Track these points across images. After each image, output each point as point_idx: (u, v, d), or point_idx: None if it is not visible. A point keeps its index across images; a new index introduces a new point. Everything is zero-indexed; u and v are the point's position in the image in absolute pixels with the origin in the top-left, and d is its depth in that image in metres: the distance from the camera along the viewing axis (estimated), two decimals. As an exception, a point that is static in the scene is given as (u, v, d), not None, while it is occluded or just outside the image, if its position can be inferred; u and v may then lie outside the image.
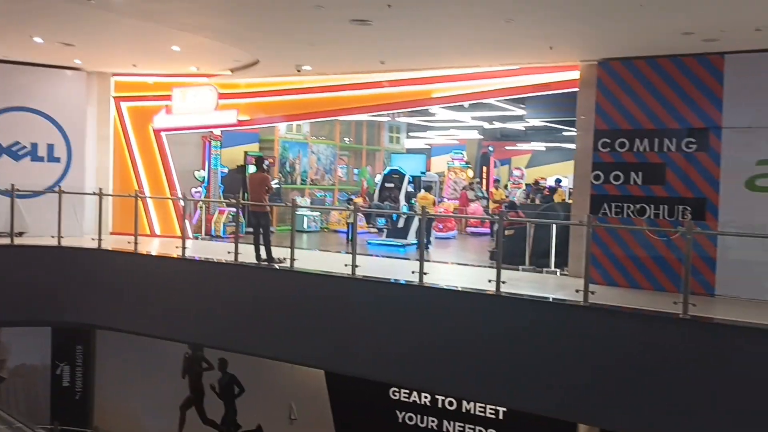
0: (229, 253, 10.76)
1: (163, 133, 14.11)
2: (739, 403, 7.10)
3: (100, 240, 11.81)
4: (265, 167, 11.35)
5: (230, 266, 10.75)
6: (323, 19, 8.08)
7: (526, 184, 23.83)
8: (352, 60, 11.05)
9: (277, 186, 15.92)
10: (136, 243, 11.58)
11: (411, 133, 23.20)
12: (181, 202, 13.39)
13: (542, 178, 24.81)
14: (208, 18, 8.64)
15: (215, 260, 11.58)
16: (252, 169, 15.36)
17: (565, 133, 21.02)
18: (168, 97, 13.94)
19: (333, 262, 11.31)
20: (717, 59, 9.07)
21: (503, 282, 8.52)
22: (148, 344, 12.70)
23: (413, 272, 9.14)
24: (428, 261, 9.33)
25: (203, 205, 15.09)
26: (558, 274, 10.68)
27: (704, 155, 9.25)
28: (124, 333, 12.17)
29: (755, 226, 8.80)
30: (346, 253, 13.29)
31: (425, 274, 9.05)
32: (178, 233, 13.50)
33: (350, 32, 8.60)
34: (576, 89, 10.50)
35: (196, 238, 14.30)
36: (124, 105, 14.04)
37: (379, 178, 17.21)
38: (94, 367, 14.00)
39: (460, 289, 9.30)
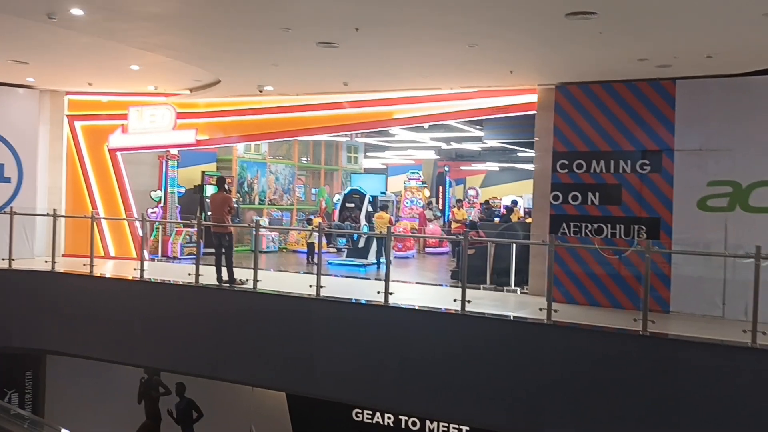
0: (189, 274, 10.59)
1: (118, 153, 13.84)
2: (695, 415, 7.33)
3: (53, 262, 11.46)
4: (226, 188, 11.25)
5: (190, 288, 10.56)
6: (290, 40, 8.11)
7: (480, 204, 24.24)
8: (316, 81, 11.10)
9: (236, 206, 15.76)
10: (92, 265, 11.27)
11: (369, 153, 23.32)
12: (138, 223, 13.12)
13: (495, 198, 25.29)
14: (171, 37, 8.57)
15: (173, 282, 11.36)
16: (210, 189, 15.19)
17: (519, 154, 21.46)
18: (123, 116, 13.70)
19: (294, 282, 11.24)
20: (669, 84, 9.46)
21: (468, 301, 8.62)
22: (103, 369, 12.35)
23: (378, 292, 9.16)
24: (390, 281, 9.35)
25: (159, 226, 14.82)
26: (518, 292, 10.86)
27: (658, 176, 9.59)
28: (77, 358, 11.80)
29: (707, 244, 9.19)
30: (306, 273, 13.26)
31: (390, 294, 9.08)
32: (134, 255, 13.26)
33: (316, 54, 8.65)
34: (534, 112, 10.77)
35: (153, 259, 14.02)
36: (78, 124, 13.74)
37: (338, 198, 17.22)
38: (44, 393, 13.50)
39: (425, 308, 9.36)
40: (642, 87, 9.64)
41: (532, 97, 10.71)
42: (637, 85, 9.66)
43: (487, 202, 22.66)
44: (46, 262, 11.60)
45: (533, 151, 11.32)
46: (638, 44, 7.95)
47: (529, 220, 13.07)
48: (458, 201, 21.08)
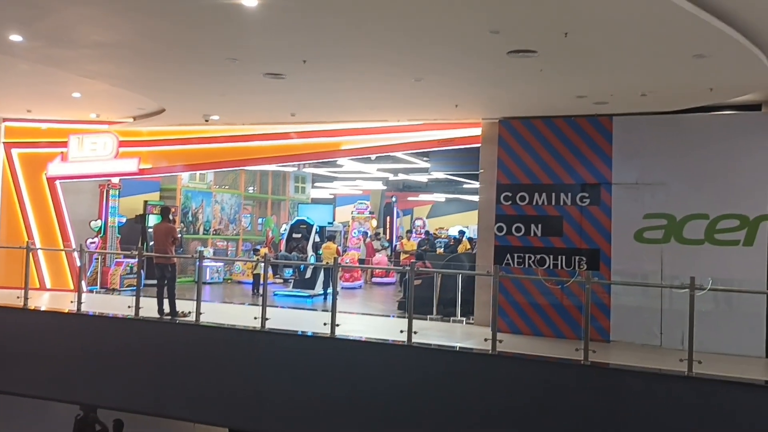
0: (129, 307, 10.30)
1: (57, 181, 13.45)
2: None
3: (-16, 295, 10.99)
4: (170, 217, 11.05)
5: (130, 321, 10.27)
6: (237, 71, 8.10)
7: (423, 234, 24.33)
8: (263, 111, 11.08)
9: (180, 236, 15.45)
10: (26, 297, 10.84)
11: (316, 183, 23.30)
12: (77, 254, 12.71)
13: (441, 228, 25.53)
14: (114, 66, 8.45)
15: (113, 315, 11.00)
16: (153, 218, 14.88)
17: (465, 185, 21.80)
18: (63, 144, 13.37)
19: (239, 314, 11.04)
20: (606, 121, 9.82)
21: (414, 332, 8.63)
22: (36, 406, 11.79)
23: (325, 323, 9.09)
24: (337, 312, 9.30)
25: (99, 257, 14.39)
26: (464, 322, 10.93)
27: (597, 209, 9.89)
28: (9, 395, 11.25)
29: (644, 275, 9.49)
30: (251, 305, 13.05)
31: (337, 325, 9.02)
32: (71, 286, 12.83)
33: (263, 85, 8.66)
34: (478, 145, 11.00)
35: (91, 291, 13.57)
36: (15, 151, 13.34)
37: (285, 228, 17.08)
38: (-29, 433, 12.79)
39: (372, 340, 9.32)
40: (581, 123, 9.98)
41: (477, 131, 10.95)
42: (577, 121, 10.00)
43: (427, 232, 22.72)
44: (-24, 294, 11.11)
45: (478, 183, 11.53)
46: (577, 82, 8.26)
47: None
48: (408, 232, 21.05)
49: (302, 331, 9.78)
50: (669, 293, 9.15)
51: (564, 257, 10.01)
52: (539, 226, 10.17)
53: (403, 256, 17.49)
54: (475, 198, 16.43)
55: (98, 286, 14.21)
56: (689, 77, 7.90)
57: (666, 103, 9.11)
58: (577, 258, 9.95)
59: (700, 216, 9.32)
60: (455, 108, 9.91)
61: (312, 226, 15.78)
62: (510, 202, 10.33)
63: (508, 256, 10.25)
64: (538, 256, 10.12)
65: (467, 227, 21.42)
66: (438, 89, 8.88)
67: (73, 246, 13.06)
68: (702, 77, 7.84)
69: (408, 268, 10.54)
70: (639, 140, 9.73)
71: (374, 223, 21.98)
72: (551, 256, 10.07)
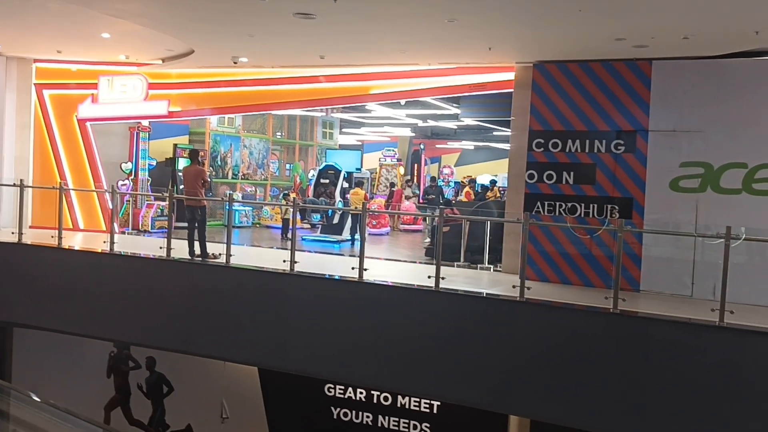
0: (161, 248, 10.45)
1: (88, 123, 13.54)
2: (664, 391, 7.47)
3: (20, 234, 11.21)
4: (199, 160, 11.08)
5: (161, 262, 10.43)
6: (266, 11, 7.94)
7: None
8: (292, 54, 10.92)
9: (209, 179, 15.56)
10: (60, 237, 11.06)
11: (344, 129, 23.15)
12: (108, 196, 12.88)
13: (469, 176, 25.34)
14: (144, 5, 8.34)
15: (144, 255, 11.19)
16: (183, 162, 14.97)
17: (494, 133, 21.49)
18: (93, 86, 13.38)
19: (267, 257, 11.17)
20: (645, 65, 9.49)
21: (442, 278, 8.64)
22: (71, 343, 12.17)
23: (353, 268, 9.13)
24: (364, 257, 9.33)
25: (130, 199, 14.59)
26: (492, 270, 10.92)
27: (632, 157, 9.66)
28: (45, 331, 11.62)
29: (678, 224, 9.32)
30: (279, 248, 13.19)
31: (365, 270, 9.06)
32: (103, 227, 13.06)
33: (293, 26, 8.49)
34: (511, 90, 10.75)
35: (123, 232, 13.81)
36: (46, 93, 13.40)
37: (313, 174, 17.08)
38: (10, 367, 13.28)
39: (399, 284, 9.36)
40: (619, 67, 9.66)
41: (510, 75, 10.68)
42: (614, 65, 9.68)
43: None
44: (12, 233, 11.34)
45: (509, 130, 11.31)
46: (616, 23, 7.94)
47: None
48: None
49: (330, 275, 9.86)
50: (702, 243, 8.97)
51: (596, 206, 9.85)
52: (571, 173, 9.98)
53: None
54: (505, 146, 16.20)
55: (130, 228, 14.46)
56: (734, 19, 7.55)
57: (708, 47, 8.76)
58: (609, 207, 9.78)
59: (738, 165, 9.05)
60: (488, 51, 9.64)
61: (340, 171, 15.76)
62: (542, 149, 10.14)
63: (539, 203, 10.12)
64: (569, 205, 9.97)
65: (496, 176, 21.25)
66: (471, 31, 8.62)
67: (105, 188, 13.23)
68: (748, 19, 7.49)
69: (436, 214, 10.49)
70: (678, 86, 9.39)
71: (401, 170, 21.87)
72: (582, 205, 9.92)
